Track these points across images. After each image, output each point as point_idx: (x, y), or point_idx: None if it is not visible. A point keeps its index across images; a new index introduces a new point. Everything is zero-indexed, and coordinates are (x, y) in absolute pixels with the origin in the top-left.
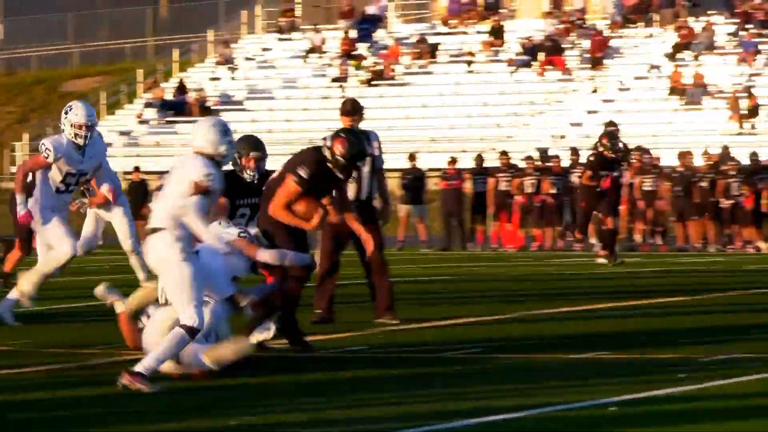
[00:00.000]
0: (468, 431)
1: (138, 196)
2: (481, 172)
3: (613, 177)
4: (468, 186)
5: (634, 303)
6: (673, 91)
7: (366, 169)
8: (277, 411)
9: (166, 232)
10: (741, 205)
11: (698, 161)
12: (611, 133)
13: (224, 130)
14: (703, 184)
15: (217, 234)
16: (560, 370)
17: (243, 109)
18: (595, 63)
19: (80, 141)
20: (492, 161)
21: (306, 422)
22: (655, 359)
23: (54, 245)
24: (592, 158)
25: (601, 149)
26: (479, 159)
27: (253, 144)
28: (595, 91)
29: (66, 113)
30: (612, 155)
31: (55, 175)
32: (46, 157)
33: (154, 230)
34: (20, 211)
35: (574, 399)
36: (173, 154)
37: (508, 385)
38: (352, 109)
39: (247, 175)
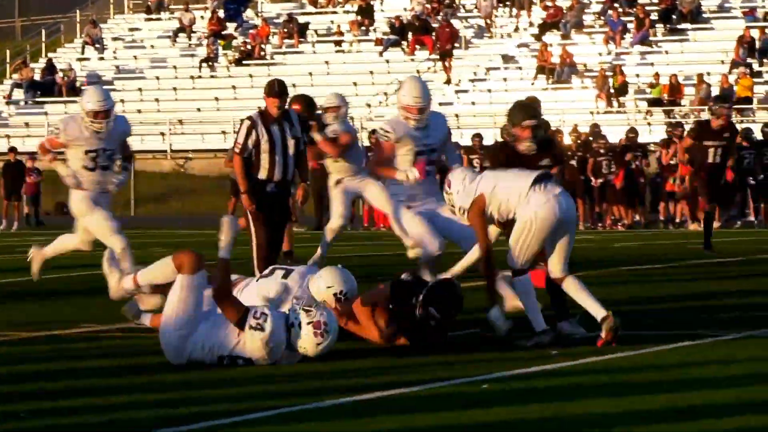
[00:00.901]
0: (340, 409)
1: (14, 176)
2: None
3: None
4: None
5: None
6: (542, 69)
7: (291, 151)
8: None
9: None
10: (611, 183)
11: (567, 140)
12: (717, 97)
13: None
14: (573, 162)
15: None
16: (432, 348)
17: (112, 89)
18: (444, 56)
19: (413, 123)
20: (362, 141)
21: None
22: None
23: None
24: (694, 125)
25: (708, 118)
26: None
27: (529, 111)
28: (449, 81)
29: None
30: (723, 123)
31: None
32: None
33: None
34: None
35: (445, 376)
36: (43, 135)
37: (380, 364)
38: (280, 90)
39: (524, 146)
